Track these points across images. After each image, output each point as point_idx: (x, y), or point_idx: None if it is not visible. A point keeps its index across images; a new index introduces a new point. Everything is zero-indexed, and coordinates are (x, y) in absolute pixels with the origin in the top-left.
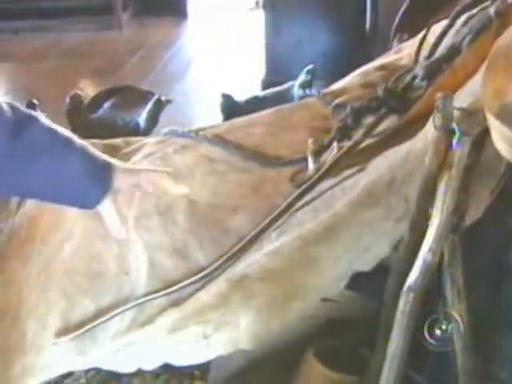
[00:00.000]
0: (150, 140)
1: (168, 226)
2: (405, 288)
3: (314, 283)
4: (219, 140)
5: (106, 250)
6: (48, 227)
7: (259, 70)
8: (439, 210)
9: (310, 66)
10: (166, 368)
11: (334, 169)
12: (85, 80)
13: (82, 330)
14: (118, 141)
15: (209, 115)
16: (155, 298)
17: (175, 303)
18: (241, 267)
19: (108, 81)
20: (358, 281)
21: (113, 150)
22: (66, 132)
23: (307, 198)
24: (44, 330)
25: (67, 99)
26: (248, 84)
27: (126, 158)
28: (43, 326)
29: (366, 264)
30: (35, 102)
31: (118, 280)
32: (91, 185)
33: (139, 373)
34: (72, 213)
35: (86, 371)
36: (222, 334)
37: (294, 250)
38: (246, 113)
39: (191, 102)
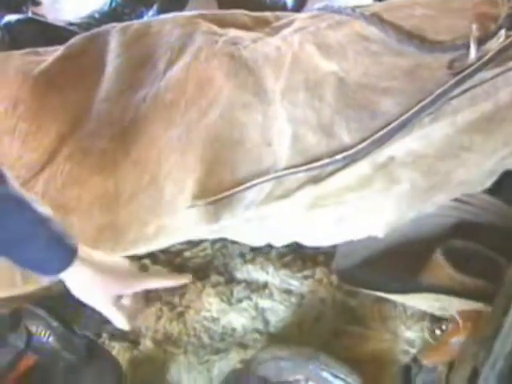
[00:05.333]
0: (302, 15)
1: (315, 102)
2: None
3: (461, 176)
4: (376, 19)
5: (249, 120)
6: (194, 92)
7: None
8: None
9: None
10: (291, 248)
11: (498, 58)
12: None
13: (218, 196)
14: (268, 14)
15: None
16: (296, 173)
17: (315, 180)
18: (388, 150)
19: None
20: (498, 185)
21: (262, 23)
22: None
23: (465, 86)
24: (181, 193)
25: None
26: None
27: (275, 30)
28: (180, 188)
29: None
30: None
31: (260, 150)
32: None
33: (264, 251)
34: (218, 80)
35: (213, 242)
36: (356, 219)
37: (446, 136)
38: None
39: None
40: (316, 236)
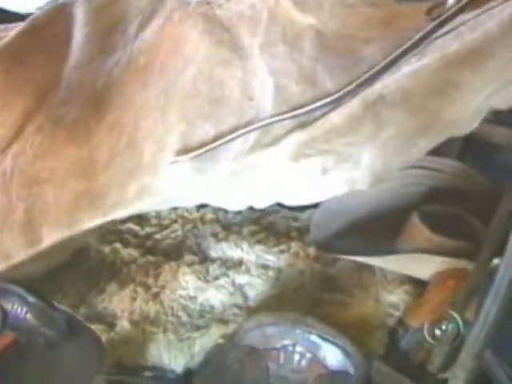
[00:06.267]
0: None
1: (294, 55)
2: None
3: (449, 115)
4: None
5: (229, 75)
6: (168, 52)
7: None
8: None
9: None
10: (263, 226)
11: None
12: None
13: (202, 150)
14: None
15: None
16: (282, 120)
17: (303, 125)
18: (377, 87)
19: None
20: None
21: None
22: None
23: (447, 28)
24: (162, 151)
25: None
26: None
27: None
28: (162, 147)
29: (502, 102)
30: None
31: (242, 105)
32: None
33: (236, 229)
34: (193, 39)
35: (183, 224)
36: (341, 170)
37: (434, 72)
38: None
39: None
40: (300, 192)
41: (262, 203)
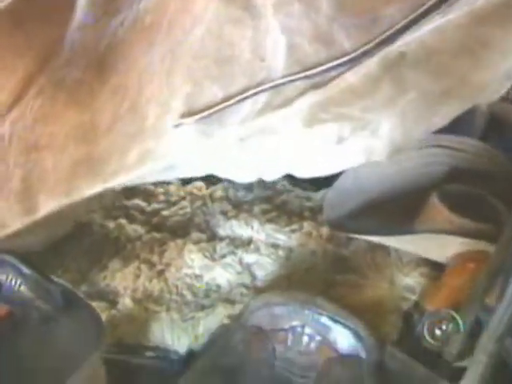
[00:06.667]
0: None
1: (310, 14)
2: None
3: (475, 77)
4: None
5: (239, 35)
6: (176, 11)
7: None
8: None
9: None
10: (275, 205)
11: None
12: None
13: (209, 111)
14: None
15: None
16: (294, 80)
17: (317, 86)
18: (398, 45)
19: None
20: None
21: None
22: None
23: None
24: (166, 114)
25: None
26: None
27: None
28: (166, 110)
29: None
30: None
31: (253, 65)
32: None
33: (246, 208)
34: None
35: (191, 201)
36: (358, 139)
37: (460, 28)
38: None
39: None
40: (313, 163)
41: (271, 174)
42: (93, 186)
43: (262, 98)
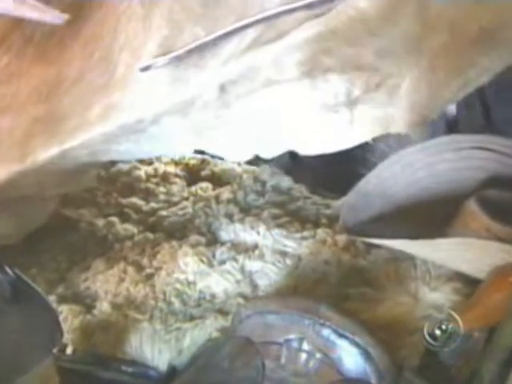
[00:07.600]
0: None
1: None
2: None
3: None
4: None
5: None
6: None
7: None
8: None
9: None
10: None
11: None
12: None
13: (185, 49)
14: None
15: None
16: (292, 11)
17: (317, 15)
18: None
19: None
20: None
21: None
22: None
23: None
24: (137, 61)
25: None
26: None
27: None
28: (137, 56)
29: None
30: None
31: (244, 1)
32: None
33: (255, 212)
34: None
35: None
36: (373, 102)
37: None
38: None
39: None
40: (318, 135)
41: (270, 150)
42: (48, 148)
43: (252, 33)
